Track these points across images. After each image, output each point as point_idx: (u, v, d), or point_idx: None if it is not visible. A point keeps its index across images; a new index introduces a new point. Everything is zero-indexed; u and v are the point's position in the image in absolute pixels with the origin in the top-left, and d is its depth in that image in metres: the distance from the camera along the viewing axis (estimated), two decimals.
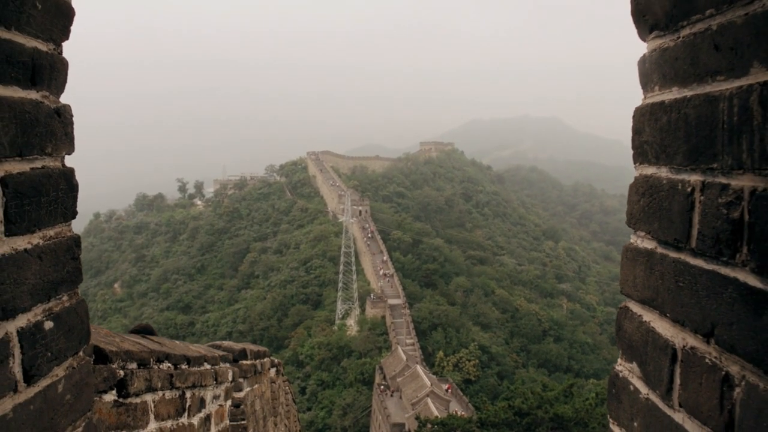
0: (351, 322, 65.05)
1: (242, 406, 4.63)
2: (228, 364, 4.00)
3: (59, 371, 1.15)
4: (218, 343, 4.79)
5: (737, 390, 0.84)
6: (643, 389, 1.12)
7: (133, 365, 2.04)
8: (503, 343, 64.07)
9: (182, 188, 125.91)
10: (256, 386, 5.51)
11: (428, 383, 40.70)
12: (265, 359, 6.28)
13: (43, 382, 1.09)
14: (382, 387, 45.45)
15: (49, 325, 1.11)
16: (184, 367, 2.66)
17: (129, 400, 1.96)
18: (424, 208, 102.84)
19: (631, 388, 1.17)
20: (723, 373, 0.88)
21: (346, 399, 51.09)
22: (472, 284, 72.89)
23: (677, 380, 1.00)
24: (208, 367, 3.22)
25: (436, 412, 33.23)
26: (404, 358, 48.28)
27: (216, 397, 3.43)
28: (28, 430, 1.04)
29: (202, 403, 3.03)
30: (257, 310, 68.97)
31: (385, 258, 75.12)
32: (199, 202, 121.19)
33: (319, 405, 52.90)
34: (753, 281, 0.82)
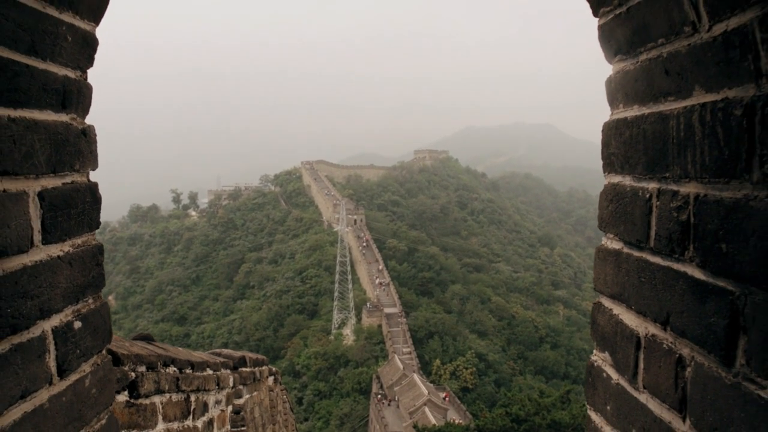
0: (347, 331, 64.92)
1: (242, 413, 4.71)
2: (228, 371, 4.10)
3: (86, 367, 1.27)
4: (218, 350, 4.88)
5: (688, 369, 0.97)
6: (614, 375, 1.25)
7: (143, 368, 2.14)
8: (500, 350, 64.07)
9: (176, 199, 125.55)
10: (255, 394, 5.59)
11: (425, 392, 40.66)
12: (264, 367, 6.36)
13: (73, 377, 1.21)
14: (379, 396, 45.32)
15: (78, 324, 1.23)
16: (188, 371, 2.76)
17: (140, 401, 2.06)
18: (419, 216, 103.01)
19: (604, 375, 1.30)
20: (677, 355, 1.01)
21: (343, 409, 50.90)
22: (468, 292, 72.95)
23: (641, 365, 1.13)
24: (211, 372, 3.32)
25: (433, 421, 33.18)
26: (401, 366, 48.21)
27: (218, 402, 3.52)
28: (61, 420, 1.15)
29: (205, 407, 3.12)
30: (253, 321, 68.76)
31: (380, 267, 75.13)
32: (193, 213, 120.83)
33: (317, 415, 52.65)
34: (698, 274, 0.95)
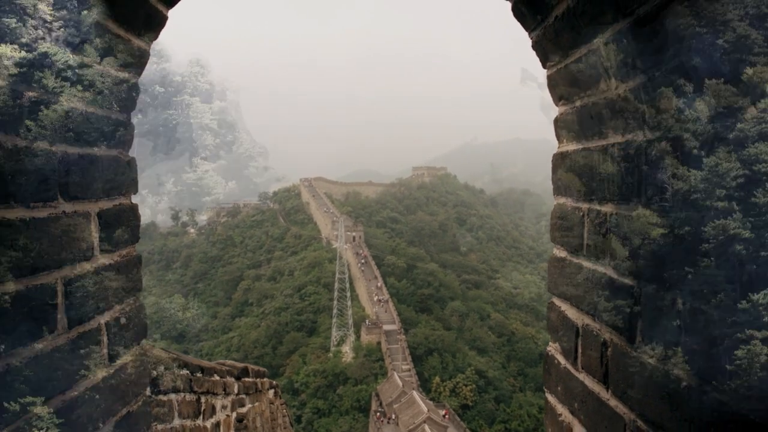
0: (346, 348, 64.66)
1: (245, 421, 4.92)
2: (233, 379, 4.33)
3: (128, 356, 1.53)
4: (222, 361, 5.11)
5: (609, 349, 1.24)
6: (562, 361, 1.52)
7: (161, 368, 2.40)
8: (500, 367, 63.79)
9: (175, 216, 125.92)
10: (257, 404, 5.80)
11: (425, 409, 40.45)
12: (264, 379, 6.58)
13: (119, 362, 1.47)
14: (378, 414, 45.06)
15: (123, 320, 1.50)
16: (198, 375, 3.01)
17: (159, 396, 2.31)
18: (418, 232, 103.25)
19: (556, 361, 1.57)
20: (602, 339, 1.28)
21: (342, 427, 50.56)
22: (467, 308, 72.87)
23: (580, 350, 1.40)
24: (218, 378, 3.56)
25: None
26: (400, 384, 48.00)
27: (224, 407, 3.76)
28: (109, 397, 1.42)
29: (213, 410, 3.36)
30: (251, 338, 68.52)
31: (379, 284, 75.10)
32: (192, 230, 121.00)
33: None
34: (613, 274, 1.23)
